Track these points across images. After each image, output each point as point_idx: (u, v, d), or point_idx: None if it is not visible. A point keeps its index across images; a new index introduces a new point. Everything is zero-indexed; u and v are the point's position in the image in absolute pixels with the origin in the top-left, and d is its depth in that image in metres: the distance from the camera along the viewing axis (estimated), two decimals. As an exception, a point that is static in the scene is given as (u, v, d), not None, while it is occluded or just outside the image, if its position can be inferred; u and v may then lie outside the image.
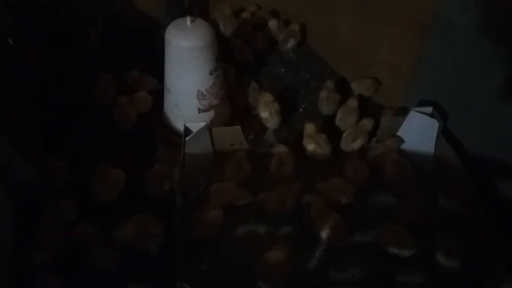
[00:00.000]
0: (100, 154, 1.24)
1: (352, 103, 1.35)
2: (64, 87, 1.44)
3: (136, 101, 1.34)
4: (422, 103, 1.24)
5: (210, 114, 1.28)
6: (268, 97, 1.33)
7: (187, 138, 1.10)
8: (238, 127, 1.18)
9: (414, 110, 1.17)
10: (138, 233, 1.05)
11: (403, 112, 1.26)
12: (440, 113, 1.18)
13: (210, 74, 1.21)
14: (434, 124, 1.15)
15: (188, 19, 1.17)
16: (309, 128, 1.23)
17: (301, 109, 1.45)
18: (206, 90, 1.23)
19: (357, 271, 1.02)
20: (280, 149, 1.20)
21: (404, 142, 1.22)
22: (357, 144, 1.24)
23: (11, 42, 1.20)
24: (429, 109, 1.17)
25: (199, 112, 1.26)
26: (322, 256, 1.04)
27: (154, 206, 1.12)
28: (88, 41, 1.56)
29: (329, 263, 1.03)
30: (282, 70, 1.58)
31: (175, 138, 1.26)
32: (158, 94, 1.34)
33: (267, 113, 1.31)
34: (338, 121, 1.34)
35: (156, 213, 1.09)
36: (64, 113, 1.36)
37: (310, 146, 1.20)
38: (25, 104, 1.30)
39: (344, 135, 1.26)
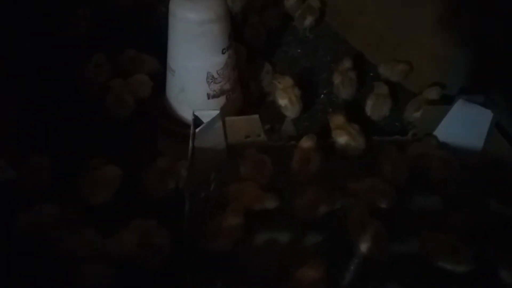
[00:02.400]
0: (91, 147, 1.06)
1: (383, 89, 1.18)
2: (49, 73, 1.24)
3: (134, 85, 1.15)
4: (463, 91, 1.07)
5: (221, 100, 1.09)
6: (287, 81, 1.15)
7: (197, 130, 0.91)
8: (256, 116, 1.00)
9: (463, 99, 1.00)
10: (138, 243, 0.87)
11: (444, 101, 1.10)
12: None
13: (222, 53, 1.03)
14: (487, 115, 0.98)
15: (196, -13, 0.98)
16: (338, 119, 1.05)
17: (322, 95, 1.27)
18: (217, 72, 1.04)
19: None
20: (307, 143, 1.01)
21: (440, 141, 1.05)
22: (420, 114, 1.11)
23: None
24: (480, 98, 1.00)
25: (208, 98, 1.07)
26: (358, 270, 0.87)
27: (156, 209, 0.95)
28: (79, 20, 1.36)
29: (367, 279, 0.86)
30: (299, 50, 1.40)
31: (179, 128, 1.08)
32: (160, 77, 1.16)
33: (287, 100, 1.13)
34: (370, 110, 1.17)
35: (158, 217, 0.91)
36: (50, 102, 1.17)
37: (342, 139, 1.02)
38: (1, 94, 1.11)
39: (408, 105, 1.17)
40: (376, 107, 1.16)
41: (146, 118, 1.14)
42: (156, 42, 1.11)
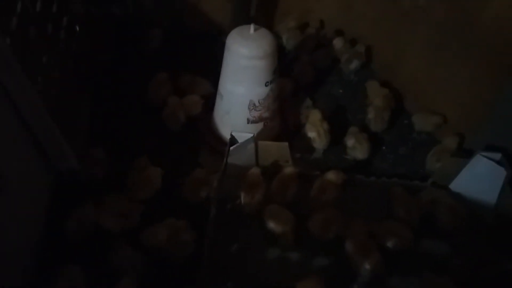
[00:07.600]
0: (144, 151, 1.22)
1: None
2: (120, 81, 1.45)
3: (187, 103, 1.33)
4: (490, 148, 1.12)
5: (259, 126, 1.23)
6: (316, 115, 1.28)
7: (231, 148, 1.06)
8: (286, 143, 1.13)
9: (481, 154, 1.06)
10: (169, 237, 1.01)
11: (467, 154, 1.16)
12: (509, 162, 1.07)
13: (266, 85, 1.17)
14: (501, 173, 1.04)
15: (252, 27, 1.14)
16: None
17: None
18: (258, 101, 1.19)
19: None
20: (331, 176, 1.10)
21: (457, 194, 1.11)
22: (440, 164, 1.22)
23: (77, 28, 1.22)
24: (497, 156, 1.06)
25: (248, 123, 1.22)
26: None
27: (189, 212, 1.09)
28: (151, 39, 1.56)
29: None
30: (340, 91, 1.52)
31: (220, 146, 1.23)
32: (211, 99, 1.32)
33: (315, 133, 1.26)
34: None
35: (189, 219, 1.06)
36: (115, 106, 1.37)
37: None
38: (79, 91, 1.31)
39: (428, 155, 1.27)
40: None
41: (194, 133, 1.31)
42: (213, 67, 1.27)
